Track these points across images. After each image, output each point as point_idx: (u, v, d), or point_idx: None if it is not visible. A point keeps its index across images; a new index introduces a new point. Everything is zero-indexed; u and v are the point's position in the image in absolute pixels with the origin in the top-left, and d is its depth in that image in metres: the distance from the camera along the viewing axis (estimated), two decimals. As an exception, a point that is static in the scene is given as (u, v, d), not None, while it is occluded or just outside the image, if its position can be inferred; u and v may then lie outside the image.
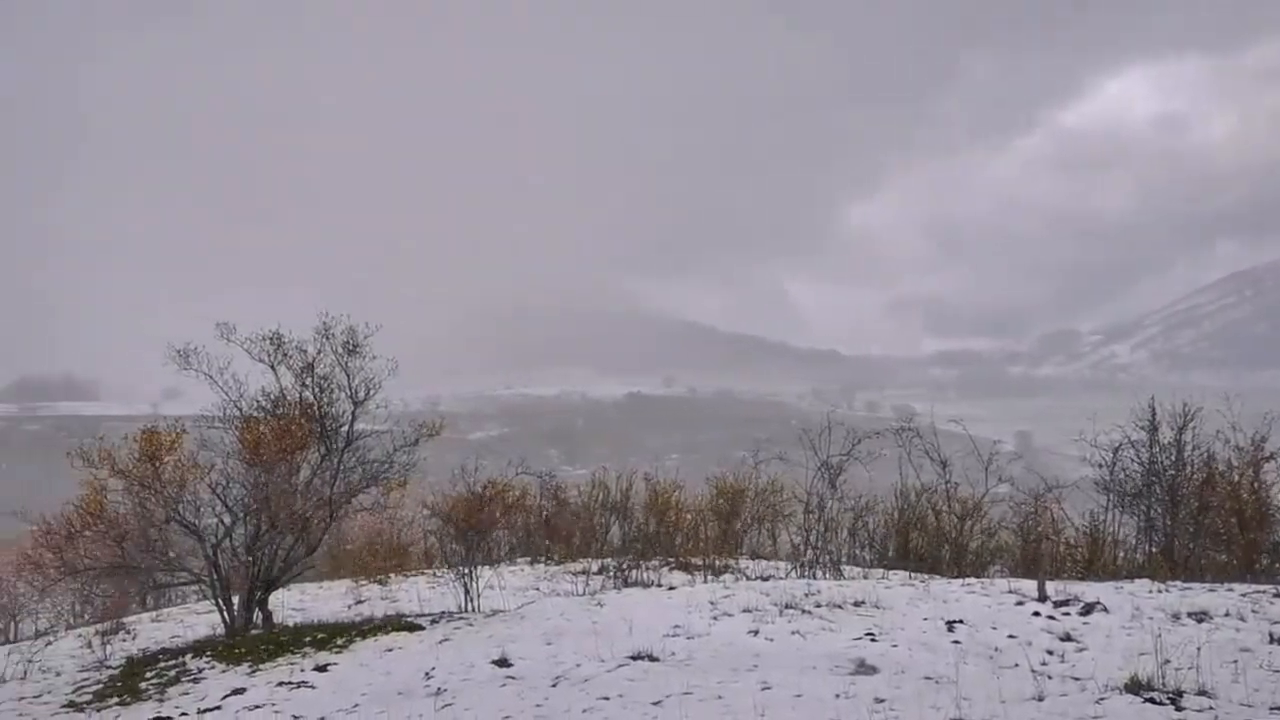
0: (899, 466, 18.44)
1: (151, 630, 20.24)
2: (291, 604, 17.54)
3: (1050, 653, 10.02)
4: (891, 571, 17.10)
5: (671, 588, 14.68)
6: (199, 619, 20.81)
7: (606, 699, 9.11)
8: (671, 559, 20.80)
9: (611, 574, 19.24)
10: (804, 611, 11.98)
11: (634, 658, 10.36)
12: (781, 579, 15.72)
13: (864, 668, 9.49)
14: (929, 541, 18.75)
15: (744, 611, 12.11)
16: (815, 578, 16.05)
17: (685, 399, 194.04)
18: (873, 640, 10.57)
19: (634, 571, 18.90)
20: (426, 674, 10.57)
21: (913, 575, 16.20)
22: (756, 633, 11.18)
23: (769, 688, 8.95)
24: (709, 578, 17.47)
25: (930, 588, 13.25)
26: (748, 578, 16.54)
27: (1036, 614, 11.28)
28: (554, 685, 9.77)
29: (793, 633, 11.07)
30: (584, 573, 19.70)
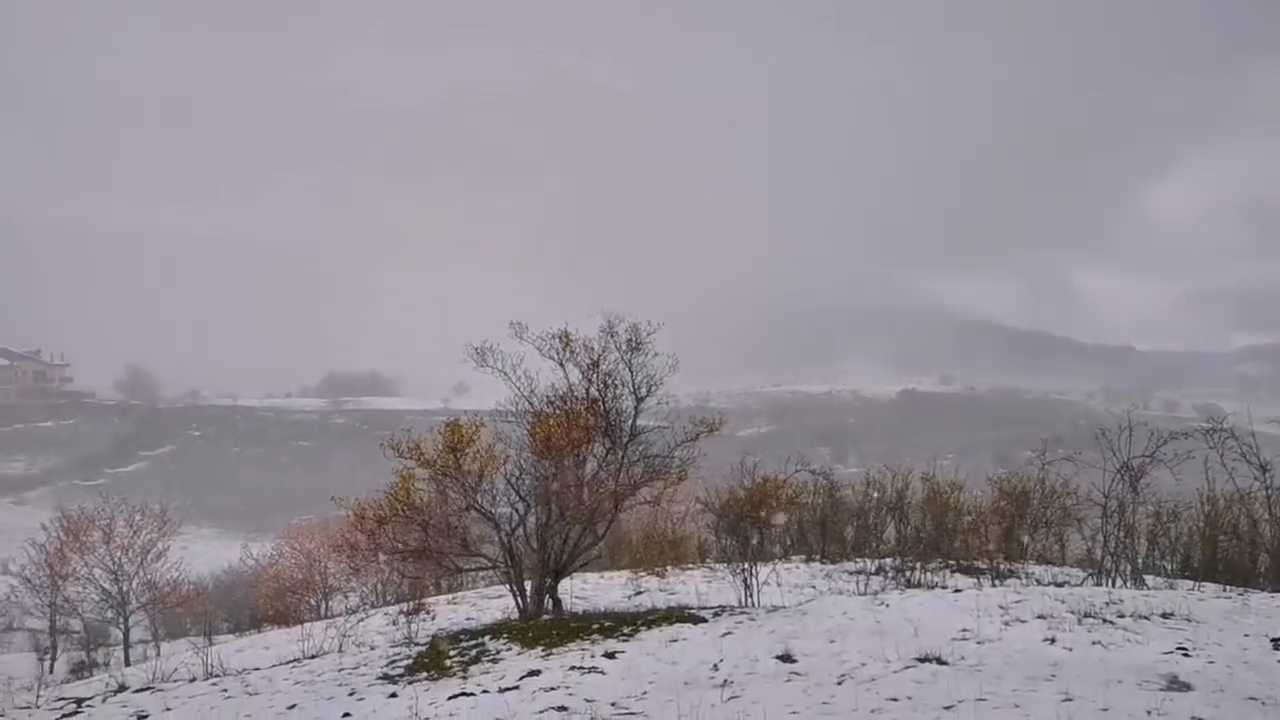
0: (1205, 470, 17.11)
1: (448, 612, 21.57)
2: (575, 592, 18.19)
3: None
4: (1201, 583, 15.90)
5: (957, 590, 14.26)
6: (490, 603, 21.99)
7: (894, 700, 8.95)
8: (952, 561, 20.20)
9: (890, 574, 18.90)
10: (1105, 621, 11.34)
11: (921, 660, 10.13)
12: (1076, 585, 14.94)
13: (1176, 684, 8.87)
14: (1243, 552, 17.30)
15: (1038, 618, 11.59)
16: (1114, 586, 15.17)
17: (963, 396, 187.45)
18: (1185, 655, 9.87)
19: (914, 572, 18.50)
20: (714, 666, 10.73)
21: (1226, 588, 15.01)
22: (1053, 641, 10.68)
23: (1070, 699, 8.52)
24: (995, 582, 16.84)
25: (1250, 601, 12.25)
26: (1039, 583, 15.82)
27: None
28: (839, 683, 9.70)
29: (1093, 643, 10.49)
30: (861, 572, 19.45)
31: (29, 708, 12.98)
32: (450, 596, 24.43)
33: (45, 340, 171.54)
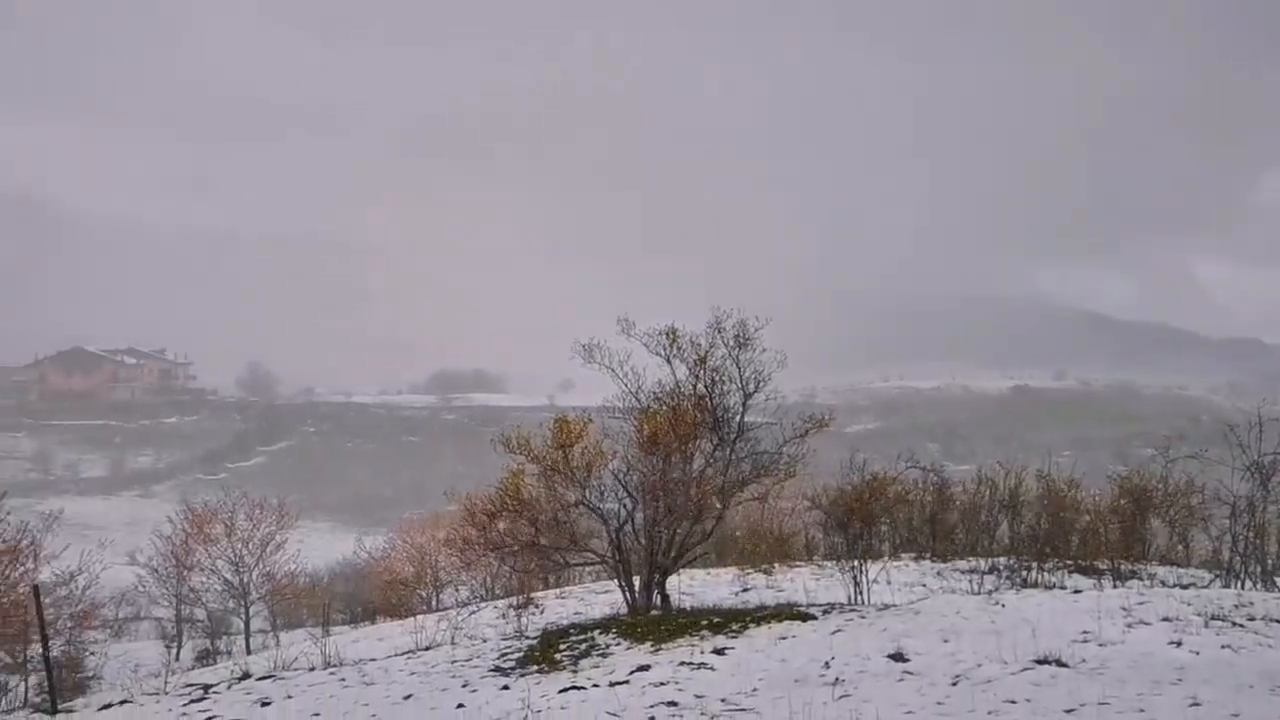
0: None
1: (556, 606, 21.77)
2: (682, 588, 18.20)
3: None
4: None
5: (1076, 591, 13.88)
6: (597, 598, 22.13)
7: (1013, 702, 8.75)
8: (1069, 561, 19.67)
9: (1005, 574, 18.48)
10: (1234, 624, 10.92)
11: (1039, 662, 9.88)
12: (1203, 588, 14.42)
13: (1311, 690, 8.50)
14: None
15: (1162, 620, 11.22)
16: (1243, 588, 14.60)
17: (1078, 392, 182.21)
18: (1321, 661, 9.45)
19: (1030, 572, 18.06)
20: (826, 664, 10.63)
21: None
22: (1179, 644, 10.32)
23: (1197, 704, 8.23)
24: (1116, 583, 16.35)
25: (1393, 606, 11.68)
26: (1163, 584, 15.31)
27: None
28: (954, 684, 9.52)
29: (1222, 646, 10.11)
30: (974, 571, 19.06)
31: (157, 693, 13.49)
32: (558, 591, 24.67)
33: (171, 340, 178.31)
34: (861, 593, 15.17)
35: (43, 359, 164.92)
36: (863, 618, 12.82)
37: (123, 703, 13.16)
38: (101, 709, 13.03)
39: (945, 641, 11.06)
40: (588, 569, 20.86)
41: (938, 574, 19.53)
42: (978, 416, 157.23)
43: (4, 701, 20.36)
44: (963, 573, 19.15)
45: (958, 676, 9.73)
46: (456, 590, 35.47)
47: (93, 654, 25.02)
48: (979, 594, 14.74)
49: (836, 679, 10.04)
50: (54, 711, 13.20)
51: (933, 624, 11.94)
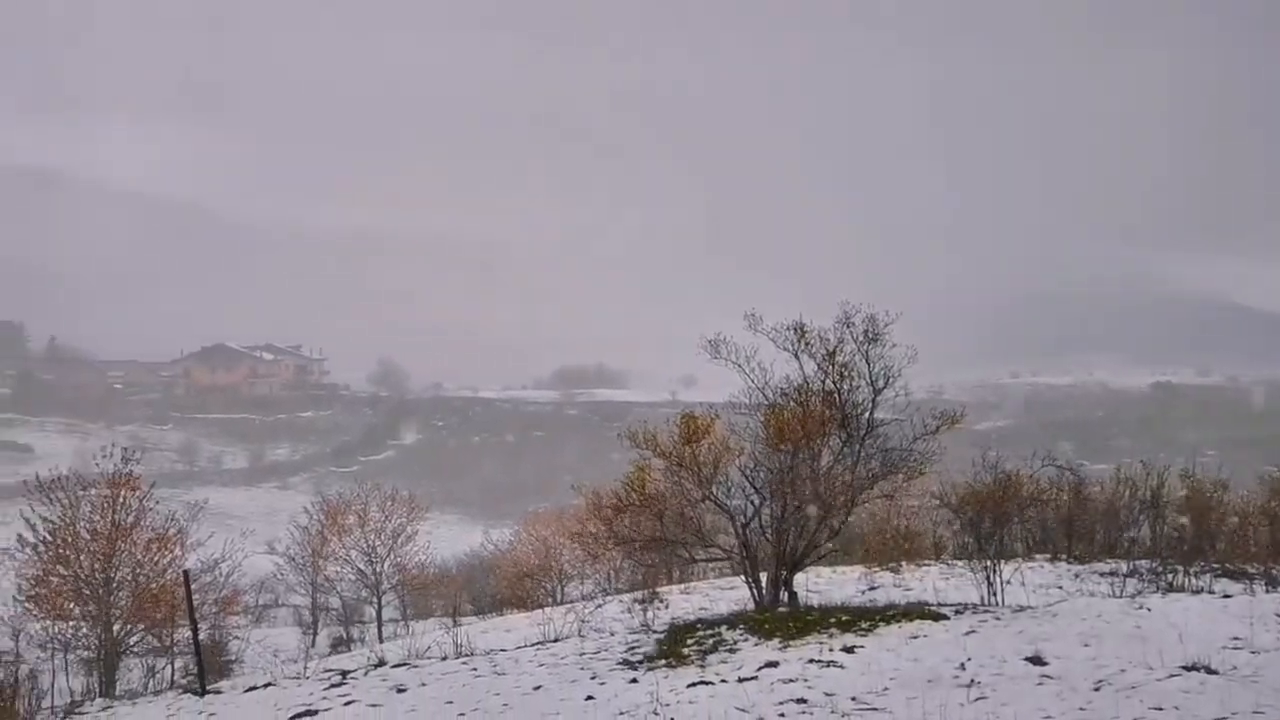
0: None
1: (681, 601, 21.80)
2: (808, 585, 18.05)
3: None
4: None
5: (1226, 595, 13.30)
6: (722, 594, 22.08)
7: (1159, 709, 8.43)
8: (1216, 565, 18.88)
9: (1147, 577, 17.83)
10: (1403, 634, 10.32)
11: (1187, 668, 9.49)
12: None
13: None
14: None
15: (1321, 628, 10.67)
16: None
17: (1224, 389, 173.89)
18: None
19: (1175, 576, 17.37)
20: (961, 665, 10.40)
21: None
22: (1340, 653, 9.80)
23: (1362, 717, 7.80)
24: (1268, 588, 15.61)
25: None
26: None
27: None
28: (1096, 689, 9.22)
29: (1389, 657, 9.57)
30: (1113, 573, 18.44)
31: (298, 677, 13.96)
32: (682, 586, 24.70)
33: (306, 336, 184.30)
34: (995, 593, 14.81)
35: (187, 355, 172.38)
36: (997, 619, 12.51)
37: (266, 686, 13.65)
38: (247, 691, 13.55)
39: (1086, 645, 10.72)
40: (711, 565, 20.85)
41: (1075, 576, 18.97)
42: (1117, 414, 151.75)
43: (152, 682, 21.33)
44: (1101, 575, 18.56)
45: (1100, 682, 9.42)
46: (581, 583, 35.91)
47: (239, 638, 26.05)
48: (1120, 597, 14.23)
49: (972, 681, 9.81)
50: (202, 693, 13.77)
51: (1072, 627, 11.58)
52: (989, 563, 15.29)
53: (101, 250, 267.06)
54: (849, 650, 11.62)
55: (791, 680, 10.68)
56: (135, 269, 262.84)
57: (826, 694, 10.06)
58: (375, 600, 35.64)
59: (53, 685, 20.41)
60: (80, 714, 13.80)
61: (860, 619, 12.96)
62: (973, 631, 11.88)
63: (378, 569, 35.75)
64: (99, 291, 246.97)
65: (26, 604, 20.43)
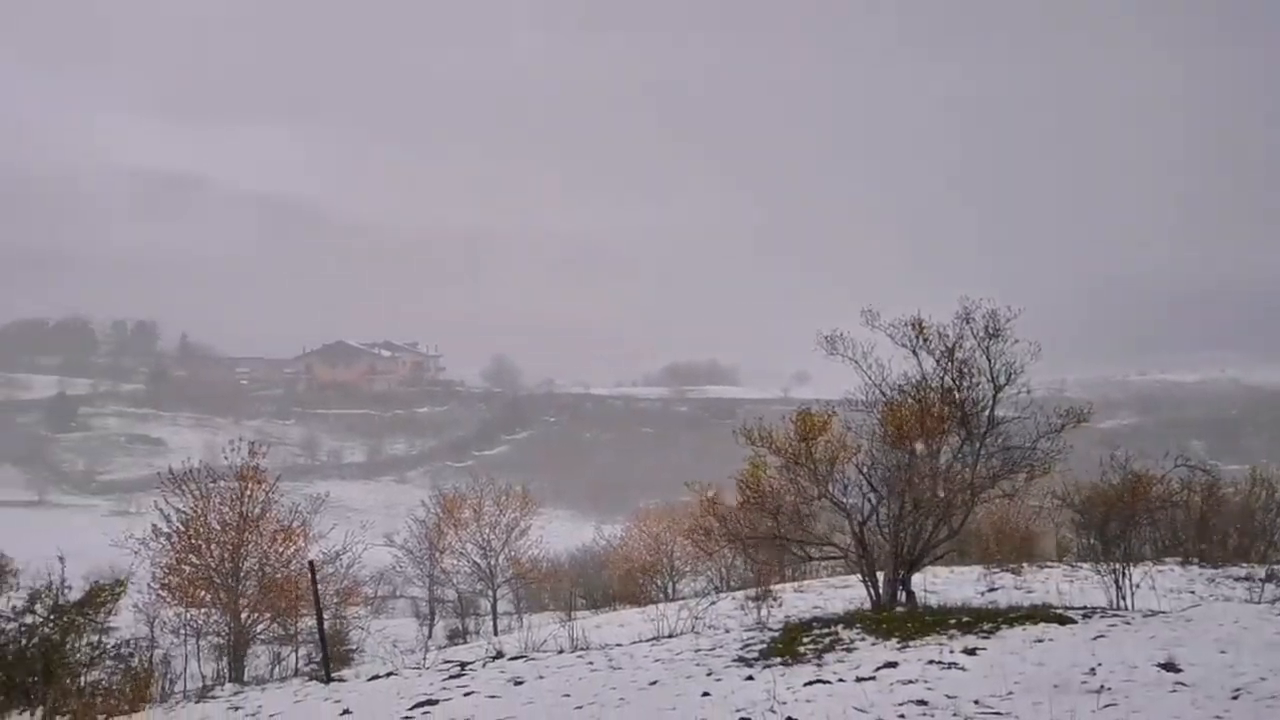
0: None
1: (794, 599, 21.66)
2: (922, 585, 17.77)
3: None
4: None
5: (1376, 603, 12.65)
6: (835, 593, 21.86)
7: (1303, 721, 8.04)
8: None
9: (1286, 582, 17.09)
10: None
11: (1333, 679, 9.04)
12: None
13: None
14: None
15: None
16: None
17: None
18: None
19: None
20: (1090, 670, 10.07)
21: None
22: None
23: None
24: None
25: None
26: None
27: None
28: (1234, 698, 8.83)
29: None
30: (1250, 578, 17.73)
31: (419, 667, 14.24)
32: (796, 585, 24.54)
33: (422, 334, 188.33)
34: (1124, 597, 14.35)
35: (309, 352, 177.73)
36: (1127, 624, 12.10)
37: (388, 675, 13.96)
38: (370, 680, 13.87)
39: (1222, 653, 10.29)
40: (825, 563, 20.67)
41: (1209, 580, 18.32)
42: (1252, 413, 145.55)
43: (278, 669, 22.01)
44: (1236, 580, 17.87)
45: (1238, 690, 9.02)
46: (694, 580, 35.96)
47: (360, 628, 26.73)
48: (1260, 603, 13.64)
49: (1101, 686, 9.50)
50: (328, 680, 14.14)
51: (1207, 633, 11.13)
52: (1116, 566, 14.82)
53: (230, 250, 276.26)
54: (970, 652, 11.37)
55: (911, 681, 10.48)
56: (261, 268, 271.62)
57: (948, 696, 9.84)
58: (490, 593, 36.19)
59: (185, 670, 21.23)
60: (213, 698, 14.31)
61: (982, 620, 12.68)
62: (1101, 636, 11.52)
63: (492, 562, 36.32)
64: (227, 290, 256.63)
65: (161, 592, 21.24)
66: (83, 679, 15.39)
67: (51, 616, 15.57)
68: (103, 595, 16.35)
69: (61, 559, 15.84)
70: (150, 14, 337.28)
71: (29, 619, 15.49)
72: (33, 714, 13.86)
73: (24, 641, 15.32)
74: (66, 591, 15.98)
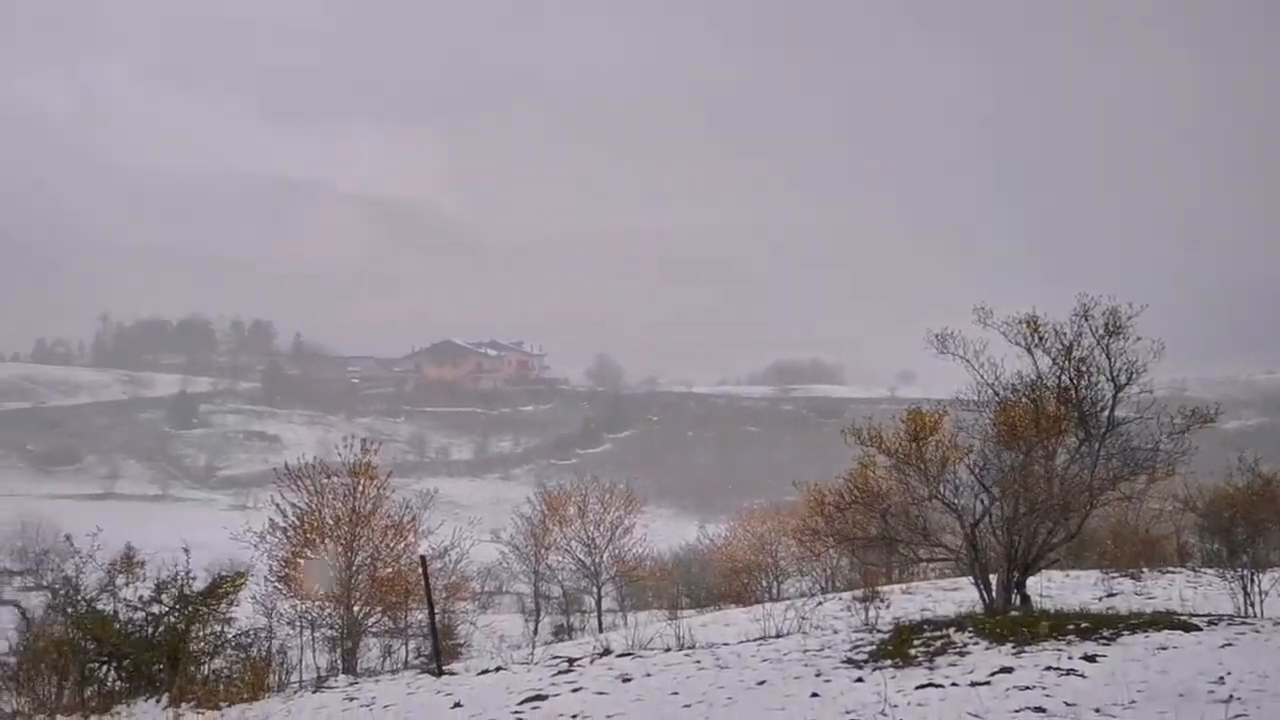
0: None
1: (902, 601, 21.32)
2: (1036, 589, 17.33)
3: None
4: None
5: None
6: (944, 595, 21.48)
7: None
8: None
9: None
10: None
11: None
12: None
13: None
14: None
15: None
16: None
17: None
18: None
19: None
20: (1218, 679, 9.70)
21: None
22: None
23: None
24: None
25: None
26: None
27: None
28: (1375, 712, 8.42)
29: None
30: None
31: (528, 663, 14.38)
32: (904, 586, 24.17)
33: (527, 333, 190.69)
34: (1252, 604, 13.79)
35: (418, 351, 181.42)
36: (1257, 632, 11.63)
37: (497, 669, 14.13)
38: (480, 674, 14.06)
39: (1361, 664, 9.82)
40: (933, 565, 20.32)
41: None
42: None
43: (389, 661, 22.45)
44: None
45: (1379, 704, 8.60)
46: (799, 580, 35.67)
47: (472, 623, 27.13)
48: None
49: (1230, 696, 9.13)
50: (439, 673, 14.37)
51: (1345, 644, 10.63)
52: (1244, 572, 14.25)
53: (341, 252, 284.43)
54: (1090, 659, 11.04)
55: (1028, 687, 10.22)
56: (372, 269, 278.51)
57: (1066, 704, 9.58)
58: (594, 590, 36.40)
59: (300, 660, 21.79)
60: (329, 688, 14.64)
61: (1101, 626, 12.30)
62: (1229, 644, 11.08)
63: (597, 560, 36.49)
64: (339, 291, 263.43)
65: (277, 584, 21.82)
66: (205, 667, 15.95)
67: (177, 606, 16.18)
68: (224, 587, 16.93)
69: (186, 551, 16.42)
70: (278, 24, 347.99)
71: (156, 608, 16.13)
72: (159, 700, 14.38)
73: (151, 630, 15.95)
74: (191, 582, 16.58)
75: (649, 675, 12.52)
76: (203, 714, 13.73)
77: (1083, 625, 12.40)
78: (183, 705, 14.06)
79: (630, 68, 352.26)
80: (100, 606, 16.21)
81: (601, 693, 11.89)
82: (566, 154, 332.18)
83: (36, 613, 18.66)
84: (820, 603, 20.10)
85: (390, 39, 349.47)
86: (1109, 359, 14.31)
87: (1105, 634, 11.97)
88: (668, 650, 14.20)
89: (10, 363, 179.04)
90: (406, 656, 23.30)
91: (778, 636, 14.76)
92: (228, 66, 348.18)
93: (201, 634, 16.31)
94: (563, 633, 31.69)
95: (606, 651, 14.35)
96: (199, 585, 16.81)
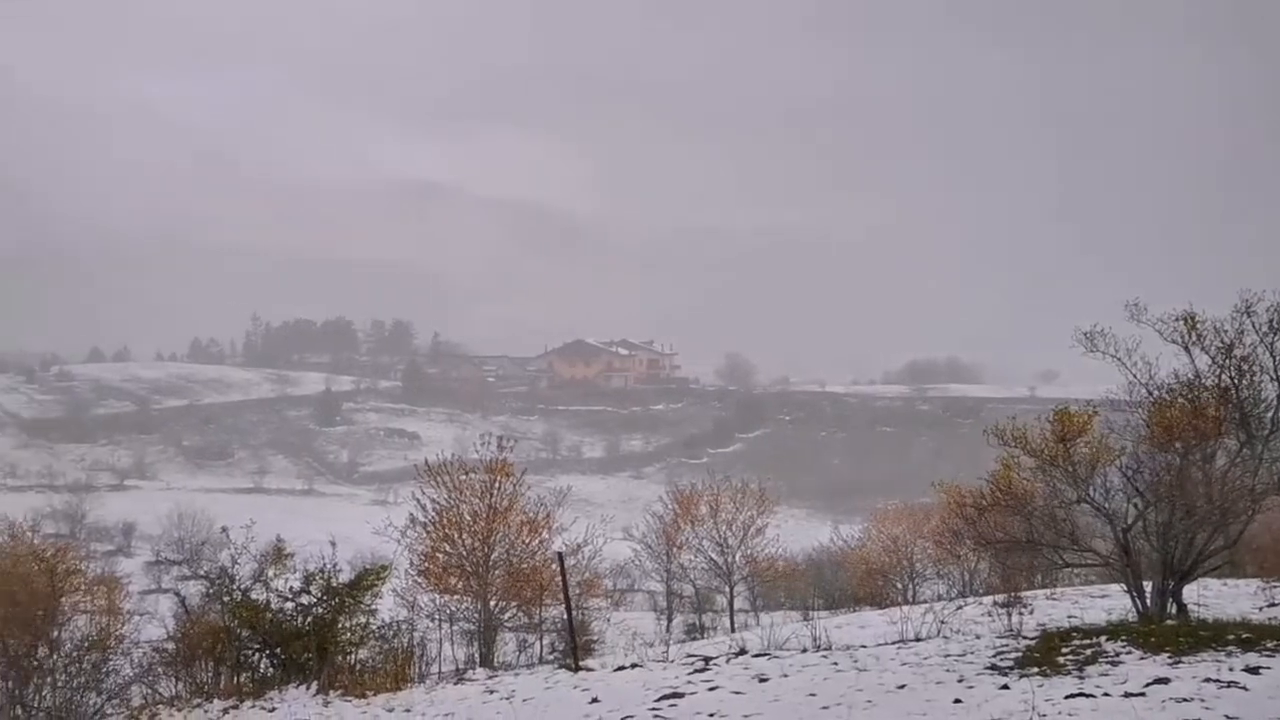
0: None
1: (1046, 607, 20.62)
2: (1192, 598, 16.57)
3: None
4: None
5: None
6: (1093, 601, 20.70)
7: None
8: None
9: None
10: None
11: None
12: None
13: None
14: None
15: None
16: None
17: None
18: None
19: None
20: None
21: None
22: None
23: None
24: None
25: None
26: None
27: None
28: None
29: None
30: None
31: (663, 660, 14.42)
32: (1048, 591, 23.40)
33: (658, 332, 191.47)
34: None
35: (551, 351, 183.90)
36: None
37: (633, 666, 14.20)
38: (616, 670, 14.14)
39: None
40: (1078, 570, 19.61)
41: None
42: None
43: (524, 656, 22.78)
44: None
45: None
46: (939, 582, 34.88)
47: (604, 620, 27.34)
48: None
49: None
50: (576, 669, 14.52)
51: None
52: None
53: (477, 253, 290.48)
54: (1253, 671, 10.49)
55: (1186, 700, 9.77)
56: (506, 270, 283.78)
57: (1227, 717, 9.14)
58: (727, 589, 36.30)
59: (439, 653, 22.28)
60: (469, 680, 14.94)
61: (1265, 638, 11.69)
62: None
63: (729, 559, 36.37)
64: (475, 291, 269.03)
65: (417, 578, 22.36)
66: (351, 657, 16.46)
67: (324, 597, 16.73)
68: (369, 579, 17.44)
69: (333, 544, 16.97)
70: (401, 35, 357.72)
71: (304, 599, 16.71)
72: (309, 687, 14.89)
73: (300, 620, 16.54)
74: (336, 575, 17.13)
75: (785, 676, 12.41)
76: (350, 701, 14.17)
77: (1244, 636, 11.81)
78: (331, 693, 14.53)
79: (762, 70, 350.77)
80: (253, 596, 16.88)
81: (738, 692, 11.83)
82: (697, 153, 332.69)
83: (194, 601, 19.48)
84: (960, 606, 19.60)
85: (521, 42, 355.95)
86: (1273, 357, 13.57)
87: (1269, 646, 11.38)
88: (804, 651, 14.05)
89: (169, 362, 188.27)
90: (541, 651, 23.61)
91: (917, 640, 14.46)
92: (371, 74, 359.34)
93: (347, 625, 16.82)
94: (695, 631, 31.67)
95: (742, 651, 14.29)
96: (344, 578, 17.37)
